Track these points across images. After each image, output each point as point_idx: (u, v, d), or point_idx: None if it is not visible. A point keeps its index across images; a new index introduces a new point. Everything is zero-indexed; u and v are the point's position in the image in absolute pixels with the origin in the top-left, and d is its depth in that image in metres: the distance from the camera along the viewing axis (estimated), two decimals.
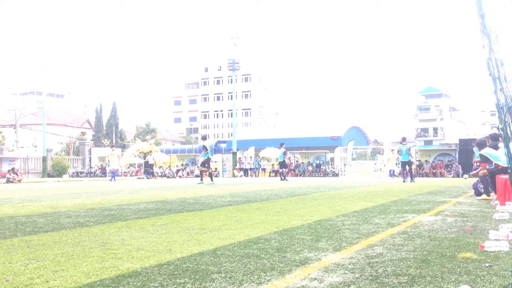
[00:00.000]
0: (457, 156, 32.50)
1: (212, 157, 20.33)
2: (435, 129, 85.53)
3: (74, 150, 55.36)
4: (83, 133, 76.81)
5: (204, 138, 19.94)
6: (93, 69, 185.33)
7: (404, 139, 20.66)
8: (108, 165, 30.01)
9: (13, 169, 28.25)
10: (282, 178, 23.49)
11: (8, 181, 25.55)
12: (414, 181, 19.67)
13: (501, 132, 2.55)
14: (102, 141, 60.81)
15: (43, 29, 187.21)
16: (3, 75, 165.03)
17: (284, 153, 23.24)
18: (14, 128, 56.01)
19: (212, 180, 19.77)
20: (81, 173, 39.08)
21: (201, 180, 19.45)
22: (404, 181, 19.73)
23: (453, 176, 30.25)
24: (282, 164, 23.64)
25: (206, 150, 18.83)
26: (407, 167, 20.15)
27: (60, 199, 10.25)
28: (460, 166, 30.88)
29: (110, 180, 25.12)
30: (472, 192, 10.59)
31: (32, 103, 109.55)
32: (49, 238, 4.52)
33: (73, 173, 38.89)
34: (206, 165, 19.37)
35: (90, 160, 42.25)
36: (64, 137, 61.40)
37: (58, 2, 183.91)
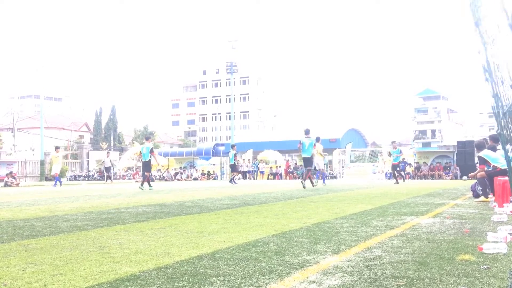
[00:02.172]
0: (455, 158, 32.56)
1: (147, 160, 17.18)
2: (433, 131, 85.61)
3: (72, 153, 55.22)
4: (81, 137, 76.68)
5: (147, 138, 18.35)
6: (91, 72, 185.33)
7: (393, 142, 20.98)
8: (51, 170, 26.54)
9: (11, 172, 28.18)
10: (232, 182, 22.26)
11: (6, 184, 25.48)
12: (404, 181, 20.20)
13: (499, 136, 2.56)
14: (100, 144, 60.75)
15: (41, 32, 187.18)
16: (1, 78, 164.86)
17: (235, 156, 22.50)
18: (12, 132, 55.88)
19: (149, 184, 17.34)
20: (79, 176, 39.00)
21: (142, 185, 17.00)
22: (397, 183, 20.03)
23: (451, 178, 30.28)
24: (233, 167, 22.93)
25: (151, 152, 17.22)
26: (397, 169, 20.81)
27: (58, 202, 10.22)
28: (458, 168, 30.92)
29: (54, 186, 21.61)
30: (470, 194, 10.60)
31: (30, 106, 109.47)
32: (47, 242, 4.51)
33: (71, 176, 38.80)
34: (147, 168, 17.52)
35: (88, 164, 42.17)
36: (62, 140, 61.29)
37: (56, 5, 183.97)
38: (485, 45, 2.53)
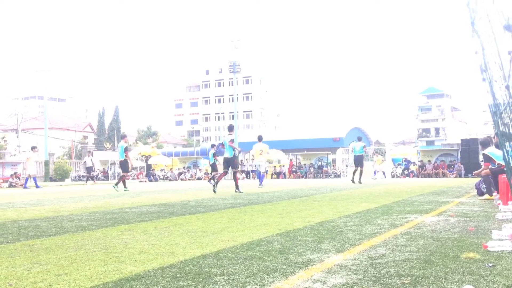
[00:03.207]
0: (459, 156, 32.47)
1: (123, 159, 16.28)
2: (437, 129, 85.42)
3: (76, 154, 55.42)
4: (85, 137, 76.89)
5: (122, 137, 17.03)
6: (94, 73, 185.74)
7: (359, 139, 20.26)
8: (25, 170, 24.64)
9: (15, 173, 28.29)
10: (213, 182, 22.14)
11: (10, 185, 25.59)
12: (361, 183, 19.02)
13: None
14: (104, 144, 60.89)
15: (44, 34, 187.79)
16: (5, 79, 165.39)
17: (214, 155, 22.39)
18: (16, 133, 56.07)
19: (124, 185, 16.45)
20: (83, 177, 39.10)
21: (124, 186, 16.42)
22: (360, 182, 19.25)
23: (456, 176, 30.21)
24: (213, 167, 22.84)
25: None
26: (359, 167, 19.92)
27: (63, 203, 10.26)
28: (462, 166, 30.84)
29: (26, 187, 20.99)
30: (475, 192, 10.58)
31: (34, 107, 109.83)
32: (52, 242, 4.53)
33: (75, 177, 38.91)
34: (123, 168, 16.78)
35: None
36: (66, 141, 61.48)
37: (59, 6, 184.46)
38: (482, 45, 2.54)
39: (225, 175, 13.78)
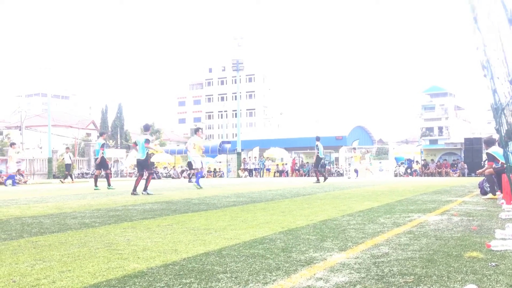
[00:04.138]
0: (462, 155, 32.40)
1: (105, 156, 16.12)
2: (440, 128, 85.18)
3: (79, 151, 55.55)
4: (88, 134, 77.06)
5: (101, 134, 17.31)
6: (98, 70, 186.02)
7: (318, 138, 20.10)
8: (7, 167, 23.74)
9: (18, 170, 28.34)
10: (190, 181, 22.08)
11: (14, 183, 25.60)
12: (319, 182, 19.33)
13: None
14: (107, 142, 60.99)
15: (47, 31, 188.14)
16: (8, 76, 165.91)
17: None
18: (20, 130, 56.26)
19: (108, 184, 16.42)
20: (87, 174, 39.20)
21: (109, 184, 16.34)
22: (318, 182, 19.55)
23: (459, 175, 30.14)
24: (190, 165, 22.74)
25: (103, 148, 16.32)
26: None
27: (66, 200, 10.29)
28: (465, 165, 30.77)
29: (5, 185, 20.83)
30: (478, 191, 10.55)
31: (37, 104, 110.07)
32: (55, 239, 4.54)
33: (78, 174, 39.00)
34: (104, 166, 16.60)
35: (95, 161, 42.38)
36: (69, 138, 61.64)
37: (64, 4, 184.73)
38: (484, 41, 2.53)
39: (141, 178, 12.58)
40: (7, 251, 3.91)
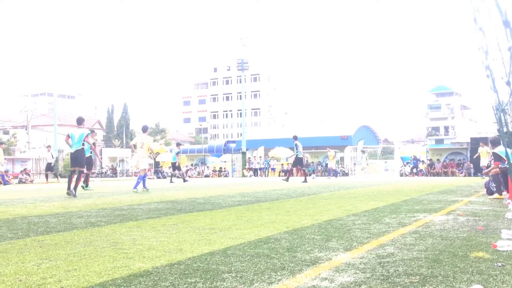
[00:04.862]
0: (468, 155, 32.23)
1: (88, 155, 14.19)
2: (446, 128, 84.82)
3: None
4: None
5: (90, 131, 15.66)
6: (103, 70, 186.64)
7: (295, 137, 19.89)
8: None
9: (25, 169, 28.55)
10: (171, 181, 22.12)
11: (20, 181, 25.81)
12: (288, 181, 19.38)
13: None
14: (113, 141, 61.20)
15: (54, 31, 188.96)
16: (15, 76, 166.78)
17: (177, 154, 22.15)
18: (26, 129, 56.54)
19: (85, 183, 14.92)
20: (92, 173, 39.36)
21: (87, 185, 14.98)
22: (286, 180, 19.68)
23: (465, 175, 30.00)
24: (173, 166, 22.65)
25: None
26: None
27: (72, 199, 10.33)
28: (471, 165, 30.62)
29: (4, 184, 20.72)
30: (484, 191, 10.50)
31: (44, 104, 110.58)
32: (61, 238, 4.56)
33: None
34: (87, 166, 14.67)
35: (101, 161, 42.49)
36: (92, 138, 61.86)
37: (70, 4, 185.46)
38: (485, 41, 2.52)
39: (82, 174, 11.88)
40: (14, 250, 3.93)
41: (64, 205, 8.57)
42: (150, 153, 14.10)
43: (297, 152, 19.69)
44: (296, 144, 19.62)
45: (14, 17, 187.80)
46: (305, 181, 19.63)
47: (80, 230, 5.11)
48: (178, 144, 23.45)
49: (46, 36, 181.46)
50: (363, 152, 34.63)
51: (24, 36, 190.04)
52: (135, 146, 13.96)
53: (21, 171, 27.99)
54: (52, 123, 46.24)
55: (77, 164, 11.62)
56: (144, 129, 14.34)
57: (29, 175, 27.53)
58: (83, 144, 11.64)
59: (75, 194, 11.11)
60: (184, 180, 22.23)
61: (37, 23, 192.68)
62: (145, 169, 13.83)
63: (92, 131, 15.50)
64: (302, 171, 20.80)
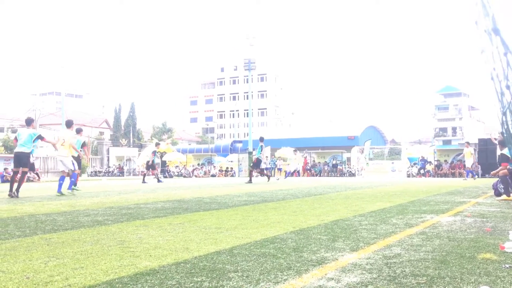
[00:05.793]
0: (476, 156, 32.02)
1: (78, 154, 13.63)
2: (454, 129, 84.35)
3: (92, 149, 56.02)
4: (101, 133, 77.71)
5: (79, 130, 14.89)
6: (111, 69, 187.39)
7: (261, 139, 19.93)
8: None
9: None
10: (144, 180, 21.53)
11: (28, 180, 25.94)
12: (251, 183, 19.31)
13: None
14: (120, 140, 61.45)
15: (61, 30, 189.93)
16: (23, 75, 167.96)
17: (153, 153, 22.15)
18: (34, 128, 56.99)
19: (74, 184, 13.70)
20: (99, 172, 39.54)
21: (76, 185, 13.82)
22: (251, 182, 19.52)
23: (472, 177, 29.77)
24: (148, 164, 22.55)
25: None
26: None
27: (79, 197, 10.38)
28: (479, 166, 30.43)
29: None
30: (492, 192, 10.43)
31: (52, 103, 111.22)
32: (69, 236, 4.59)
33: (91, 172, 39.35)
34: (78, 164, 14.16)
35: (108, 160, 42.73)
36: (82, 137, 62.19)
37: (77, 3, 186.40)
38: (489, 43, 2.51)
39: (25, 175, 11.41)
40: (21, 248, 3.95)
41: (71, 204, 8.62)
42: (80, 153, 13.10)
43: (259, 154, 19.79)
44: (261, 145, 19.69)
45: (22, 16, 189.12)
46: (250, 181, 19.83)
47: (87, 229, 5.13)
48: (157, 144, 23.51)
49: (55, 35, 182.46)
50: (361, 151, 34.57)
51: (33, 35, 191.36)
52: (54, 144, 12.23)
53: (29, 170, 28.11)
54: (60, 122, 46.51)
55: (21, 164, 11.13)
56: (68, 124, 12.82)
57: (37, 174, 27.68)
58: (36, 142, 11.31)
59: (17, 195, 10.70)
60: (158, 181, 21.83)
61: (45, 22, 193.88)
62: (73, 170, 12.35)
63: (81, 130, 15.10)
64: (260, 171, 20.90)
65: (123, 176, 37.57)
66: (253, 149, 19.38)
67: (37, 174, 27.59)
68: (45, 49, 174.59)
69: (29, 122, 11.52)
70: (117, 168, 40.26)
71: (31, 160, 23.56)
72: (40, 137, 11.37)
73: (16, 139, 11.33)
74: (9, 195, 10.72)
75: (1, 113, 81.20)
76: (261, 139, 19.94)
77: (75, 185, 13.92)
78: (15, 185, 10.98)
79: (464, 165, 26.52)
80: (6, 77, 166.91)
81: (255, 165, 20.10)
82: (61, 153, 12.11)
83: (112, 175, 38.42)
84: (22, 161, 11.14)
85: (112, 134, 75.00)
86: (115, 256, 3.56)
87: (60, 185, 11.73)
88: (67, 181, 12.52)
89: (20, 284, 2.77)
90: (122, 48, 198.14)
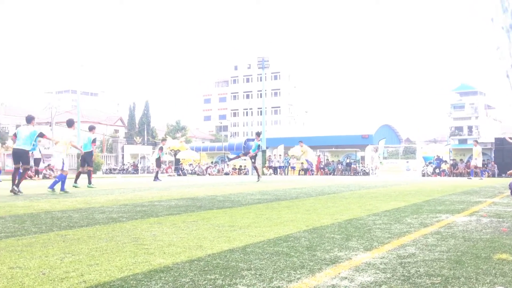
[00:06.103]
0: (492, 155, 31.61)
1: (89, 150, 14.12)
2: (470, 128, 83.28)
3: (107, 147, 56.55)
4: (116, 131, 78.38)
5: (91, 128, 15.23)
6: (126, 68, 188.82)
7: (258, 134, 19.65)
8: None
9: (48, 165, 29.06)
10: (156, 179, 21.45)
11: (44, 177, 26.32)
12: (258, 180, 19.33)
13: None
14: (135, 138, 61.89)
15: (78, 29, 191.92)
16: (39, 73, 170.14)
17: (160, 149, 22.15)
18: (50, 126, 57.60)
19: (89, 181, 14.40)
20: (114, 169, 39.90)
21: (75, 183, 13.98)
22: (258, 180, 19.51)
23: (489, 176, 29.41)
24: (157, 162, 22.45)
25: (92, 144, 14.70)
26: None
27: (94, 195, 10.50)
28: (496, 165, 30.04)
29: None
30: (508, 192, 10.27)
31: (67, 101, 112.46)
32: (84, 233, 4.64)
33: (106, 169, 39.73)
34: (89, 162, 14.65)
35: (122, 157, 43.09)
36: (98, 134, 62.79)
37: (93, 1, 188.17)
38: (505, 40, 2.48)
39: (26, 172, 11.38)
40: (37, 244, 4.01)
41: (86, 201, 8.71)
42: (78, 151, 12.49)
43: (255, 151, 19.57)
44: (257, 143, 19.59)
45: (38, 15, 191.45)
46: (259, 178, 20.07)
47: (102, 226, 5.19)
48: (163, 140, 23.52)
49: (70, 33, 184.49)
50: (375, 150, 34.35)
51: (49, 34, 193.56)
52: (54, 141, 12.35)
53: (45, 167, 28.51)
54: (75, 120, 47.03)
55: (22, 161, 11.21)
56: (69, 124, 12.67)
57: (52, 170, 27.99)
58: (38, 141, 10.95)
59: (19, 190, 10.83)
60: (155, 179, 21.33)
61: (61, 20, 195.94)
62: (64, 170, 11.85)
63: (94, 128, 15.40)
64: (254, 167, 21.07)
65: (138, 173, 37.85)
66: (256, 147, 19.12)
67: (52, 170, 27.89)
68: (61, 47, 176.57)
69: (29, 119, 11.48)
70: (131, 165, 40.57)
71: (38, 157, 24.58)
72: (41, 135, 11.55)
73: (15, 135, 11.45)
74: (11, 191, 10.82)
75: (17, 111, 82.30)
76: (258, 134, 19.85)
77: (90, 183, 14.29)
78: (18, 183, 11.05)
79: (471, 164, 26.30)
80: (22, 75, 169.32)
81: (254, 159, 20.18)
82: (57, 148, 12.11)
83: (126, 172, 38.74)
84: (22, 158, 11.24)
85: (126, 132, 75.57)
86: (130, 253, 3.60)
87: (54, 183, 11.81)
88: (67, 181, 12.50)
89: (36, 280, 2.81)
90: (137, 47, 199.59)
